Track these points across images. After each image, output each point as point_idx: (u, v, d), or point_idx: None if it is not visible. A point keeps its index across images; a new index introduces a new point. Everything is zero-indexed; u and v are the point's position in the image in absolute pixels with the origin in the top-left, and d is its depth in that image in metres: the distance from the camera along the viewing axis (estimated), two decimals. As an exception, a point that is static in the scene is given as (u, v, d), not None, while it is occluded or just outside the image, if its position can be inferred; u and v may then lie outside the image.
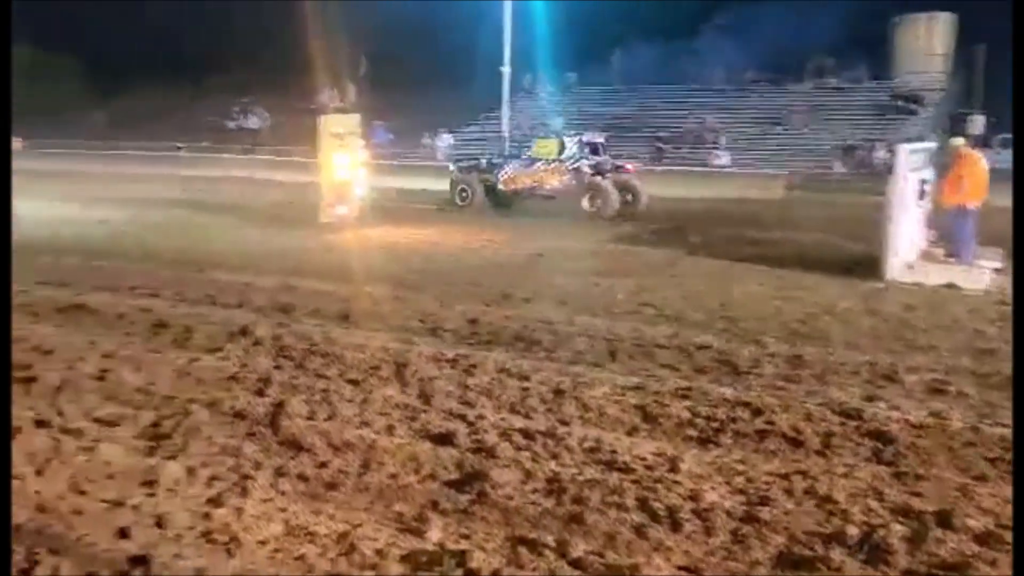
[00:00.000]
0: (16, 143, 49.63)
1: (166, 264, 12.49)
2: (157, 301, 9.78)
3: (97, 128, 49.02)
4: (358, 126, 18.83)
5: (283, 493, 4.78)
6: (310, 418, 5.92)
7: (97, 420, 5.88)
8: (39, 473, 5.05)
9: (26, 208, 19.97)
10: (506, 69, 33.08)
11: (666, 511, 4.52)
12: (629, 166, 20.97)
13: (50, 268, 11.86)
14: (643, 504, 4.60)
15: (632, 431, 5.81)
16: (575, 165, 20.24)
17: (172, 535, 4.22)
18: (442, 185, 23.11)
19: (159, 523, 4.34)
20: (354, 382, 6.77)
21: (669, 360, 7.49)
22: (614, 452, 5.31)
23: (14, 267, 11.70)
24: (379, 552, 4.07)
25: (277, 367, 7.21)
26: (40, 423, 5.78)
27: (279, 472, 5.04)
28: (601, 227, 17.91)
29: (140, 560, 3.96)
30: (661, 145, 36.66)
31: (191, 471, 5.01)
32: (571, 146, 20.53)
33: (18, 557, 4.10)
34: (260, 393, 6.49)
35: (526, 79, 42.40)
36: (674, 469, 5.07)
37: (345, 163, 17.98)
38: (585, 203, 20.00)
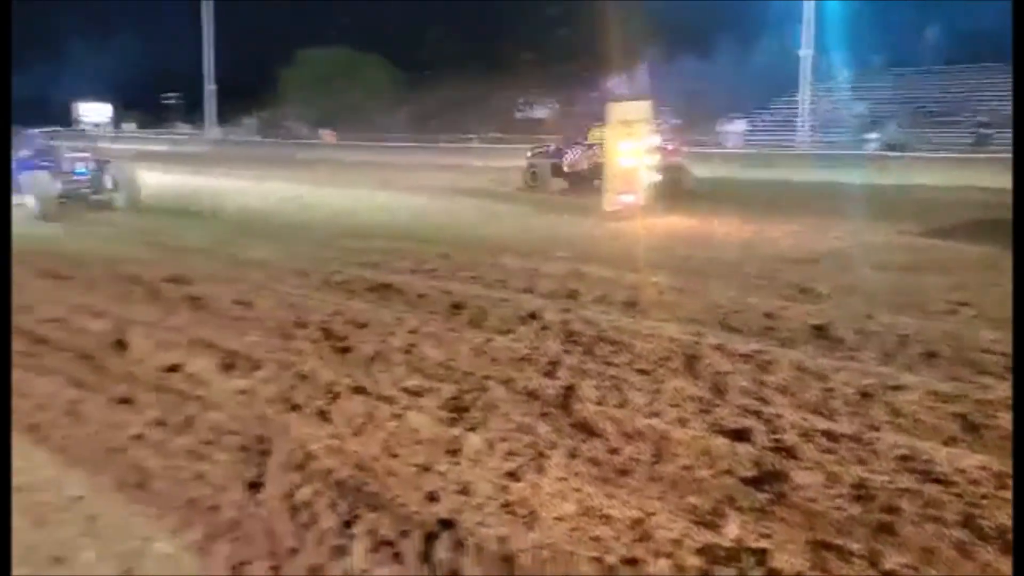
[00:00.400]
0: (329, 136, 55.16)
1: (461, 248, 13.16)
2: (454, 283, 10.33)
3: (400, 122, 53.03)
4: (647, 113, 18.71)
5: (577, 474, 4.83)
6: (600, 403, 5.95)
7: (405, 390, 6.30)
8: (356, 435, 5.50)
9: (341, 196, 22.04)
10: (806, 52, 31.48)
11: (996, 531, 4.04)
12: (670, 147, 21.69)
13: (362, 250, 12.93)
14: (967, 521, 4.15)
15: (950, 441, 5.26)
16: None
17: (475, 503, 4.40)
18: (727, 172, 22.67)
19: (463, 491, 4.55)
20: (644, 372, 6.71)
21: (994, 367, 6.70)
22: (930, 462, 4.83)
23: (333, 250, 13.00)
24: (674, 542, 3.99)
25: (566, 351, 7.33)
26: (357, 389, 6.30)
27: (572, 453, 5.11)
28: (903, 219, 16.49)
29: (448, 524, 4.17)
30: (983, 130, 33.14)
31: (490, 444, 5.21)
32: None
33: (341, 510, 4.48)
34: (550, 375, 6.63)
35: (826, 61, 40.07)
36: (1003, 486, 4.53)
37: (631, 150, 17.95)
38: None
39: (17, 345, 7.78)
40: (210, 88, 61.92)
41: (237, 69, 61.93)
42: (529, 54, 52.61)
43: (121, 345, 7.67)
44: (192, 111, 65.49)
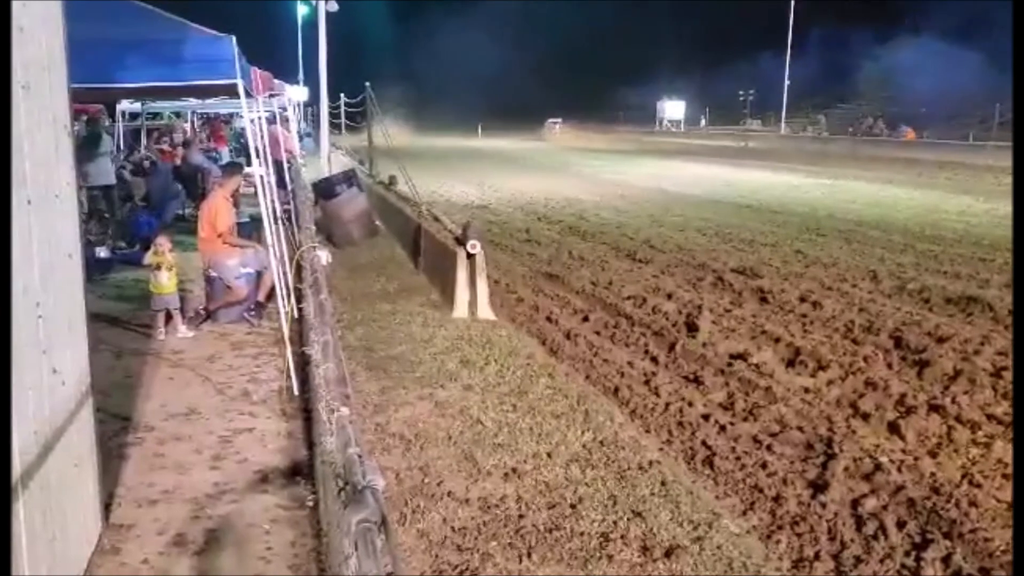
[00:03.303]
0: (909, 133, 51.48)
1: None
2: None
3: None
4: None
5: None
6: None
7: (991, 416, 5.66)
8: (932, 455, 5.09)
9: (916, 197, 20.47)
10: None
11: None
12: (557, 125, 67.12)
13: (941, 257, 11.92)
14: None
15: None
16: None
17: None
18: None
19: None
20: None
21: None
22: None
23: (909, 254, 12.19)
24: None
25: None
26: (933, 407, 5.83)
27: None
28: None
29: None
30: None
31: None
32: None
33: (912, 530, 4.19)
34: None
35: None
36: None
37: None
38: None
39: (604, 316, 8.76)
40: (783, 87, 62.34)
41: (813, 68, 61.75)
42: None
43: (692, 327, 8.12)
44: (765, 108, 66.69)
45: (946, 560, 3.94)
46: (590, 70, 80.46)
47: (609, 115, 72.77)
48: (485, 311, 8.47)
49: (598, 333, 8.24)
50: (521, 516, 4.21)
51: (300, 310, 6.68)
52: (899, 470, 4.81)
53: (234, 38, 5.83)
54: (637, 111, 72.83)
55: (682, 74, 73.19)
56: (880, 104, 57.63)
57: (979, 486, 4.60)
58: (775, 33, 61.99)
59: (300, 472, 4.44)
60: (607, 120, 70.71)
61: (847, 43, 65.62)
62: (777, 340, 7.59)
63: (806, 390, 6.33)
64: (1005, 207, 18.30)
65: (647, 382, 6.74)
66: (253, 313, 7.44)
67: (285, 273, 6.87)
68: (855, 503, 4.53)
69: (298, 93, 37.29)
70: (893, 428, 5.52)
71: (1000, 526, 4.14)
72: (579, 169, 31.58)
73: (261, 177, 7.76)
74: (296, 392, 5.51)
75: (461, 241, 8.61)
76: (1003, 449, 5.07)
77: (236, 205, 9.17)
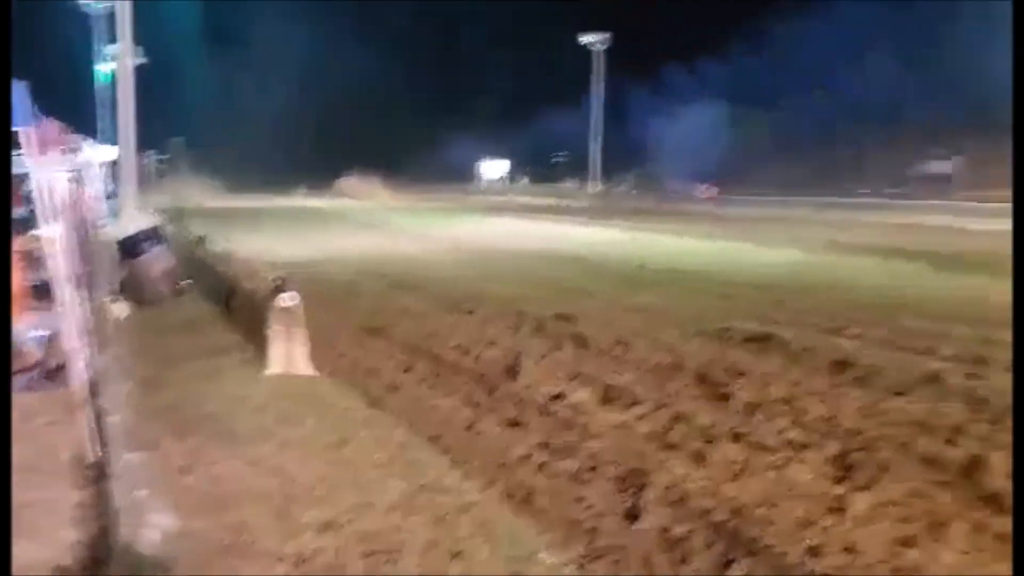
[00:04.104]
0: (706, 191, 55.27)
1: (851, 305, 12.42)
2: (842, 340, 9.74)
3: (783, 176, 51.87)
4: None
5: (981, 551, 4.30)
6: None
7: (788, 442, 6.04)
8: (734, 480, 5.38)
9: (715, 248, 21.87)
10: None
11: None
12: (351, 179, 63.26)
13: (740, 301, 12.73)
14: None
15: None
16: None
17: (861, 563, 4.09)
18: None
19: (847, 549, 4.25)
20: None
21: None
22: None
23: (712, 298, 12.93)
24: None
25: (973, 420, 6.56)
26: (735, 436, 6.18)
27: (978, 527, 4.55)
28: None
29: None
30: None
31: (880, 506, 4.82)
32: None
33: (717, 552, 4.41)
34: (951, 443, 5.97)
35: None
36: None
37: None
38: None
39: (428, 366, 8.76)
40: (595, 146, 65.70)
41: (620, 126, 65.66)
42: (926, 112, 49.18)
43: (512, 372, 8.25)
44: (579, 168, 69.71)
45: (749, 576, 4.16)
46: (410, 125, 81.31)
47: (431, 172, 73.29)
48: (303, 366, 8.28)
49: (422, 383, 8.22)
50: (336, 568, 4.11)
51: (95, 371, 6.30)
52: (705, 496, 5.05)
53: (26, 83, 5.55)
54: (457, 169, 74.16)
55: (498, 131, 75.39)
56: (682, 162, 61.44)
57: (775, 506, 4.89)
58: (572, 91, 65.97)
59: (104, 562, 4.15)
60: (428, 178, 70.99)
61: (642, 102, 70.35)
62: (593, 381, 7.84)
63: (620, 426, 6.56)
64: (795, 255, 19.93)
65: (469, 427, 6.78)
66: (45, 379, 6.95)
67: (81, 335, 6.47)
68: (665, 530, 4.71)
69: (105, 151, 35.51)
70: (699, 457, 5.79)
71: (794, 541, 4.41)
72: (402, 226, 31.67)
73: (55, 239, 7.30)
74: (94, 457, 5.17)
75: (275, 295, 8.42)
76: (797, 470, 5.42)
77: (34, 268, 8.59)
